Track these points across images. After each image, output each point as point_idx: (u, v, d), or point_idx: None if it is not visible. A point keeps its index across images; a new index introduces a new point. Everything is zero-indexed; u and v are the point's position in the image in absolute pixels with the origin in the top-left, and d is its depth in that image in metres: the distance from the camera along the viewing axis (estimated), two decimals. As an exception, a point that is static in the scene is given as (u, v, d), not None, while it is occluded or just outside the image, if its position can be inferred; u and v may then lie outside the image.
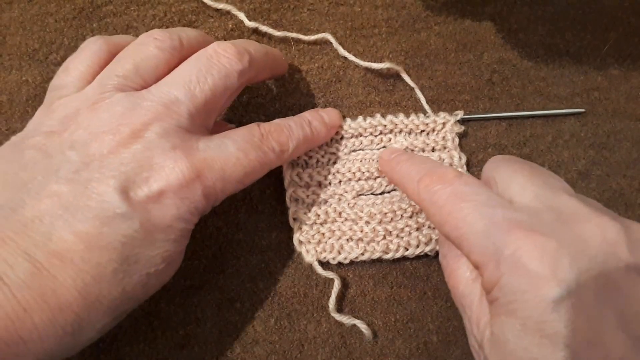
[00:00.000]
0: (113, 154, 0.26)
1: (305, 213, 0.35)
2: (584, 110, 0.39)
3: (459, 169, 0.36)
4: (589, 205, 0.25)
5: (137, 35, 0.40)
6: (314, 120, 0.34)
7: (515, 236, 0.24)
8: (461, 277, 0.28)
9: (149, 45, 0.29)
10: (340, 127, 0.36)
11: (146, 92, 0.28)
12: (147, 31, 0.39)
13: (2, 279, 0.23)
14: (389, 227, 0.35)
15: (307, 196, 0.35)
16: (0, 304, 0.22)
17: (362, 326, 0.33)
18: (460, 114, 0.37)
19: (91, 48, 0.30)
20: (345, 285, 0.35)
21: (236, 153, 0.29)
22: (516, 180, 0.27)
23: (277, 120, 0.32)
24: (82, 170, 0.25)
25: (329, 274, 0.34)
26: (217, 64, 0.29)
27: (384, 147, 0.37)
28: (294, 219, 0.35)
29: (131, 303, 0.26)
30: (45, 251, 0.24)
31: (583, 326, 0.22)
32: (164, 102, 0.27)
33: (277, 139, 0.31)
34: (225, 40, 0.40)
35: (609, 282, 0.23)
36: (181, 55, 0.30)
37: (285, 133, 0.32)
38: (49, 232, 0.24)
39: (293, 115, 0.38)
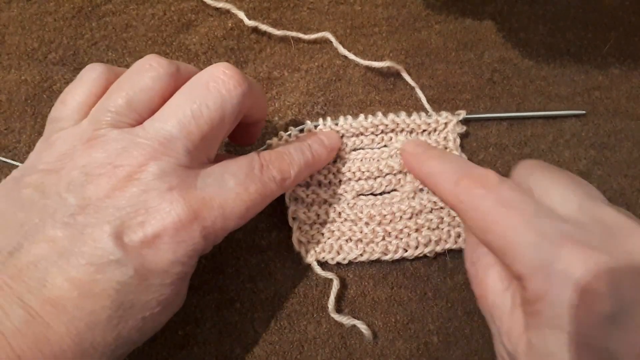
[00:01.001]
0: (109, 198, 0.25)
1: (304, 213, 0.35)
2: (584, 112, 0.39)
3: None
4: (631, 217, 0.25)
5: (136, 35, 0.40)
6: (314, 144, 0.33)
7: (568, 250, 0.23)
8: (491, 287, 0.28)
9: (144, 75, 0.28)
10: (345, 144, 0.36)
11: (141, 129, 0.27)
12: (146, 30, 0.40)
13: None
14: (388, 228, 0.35)
15: (307, 195, 0.35)
16: None
17: (361, 326, 0.33)
18: (462, 114, 0.37)
19: (89, 77, 0.29)
20: (345, 285, 0.35)
21: (236, 188, 0.27)
22: (557, 190, 0.26)
23: (277, 148, 0.32)
24: (78, 214, 0.25)
25: (328, 274, 0.34)
26: (213, 92, 0.27)
27: (384, 146, 0.37)
28: (294, 218, 0.35)
29: (127, 347, 0.26)
30: (39, 298, 0.23)
31: (634, 342, 0.22)
32: (160, 141, 0.26)
33: (278, 167, 0.30)
34: (224, 38, 0.40)
35: None
36: (177, 81, 0.28)
37: (286, 160, 0.31)
38: (43, 278, 0.24)
39: (292, 114, 0.38)
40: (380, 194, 0.36)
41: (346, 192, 0.36)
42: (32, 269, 0.24)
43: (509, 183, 0.27)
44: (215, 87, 0.27)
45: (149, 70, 0.28)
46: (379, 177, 0.36)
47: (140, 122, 0.27)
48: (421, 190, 0.36)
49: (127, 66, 0.38)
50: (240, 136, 0.34)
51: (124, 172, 0.26)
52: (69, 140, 0.27)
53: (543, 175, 0.28)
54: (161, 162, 0.26)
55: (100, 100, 0.28)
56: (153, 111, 0.28)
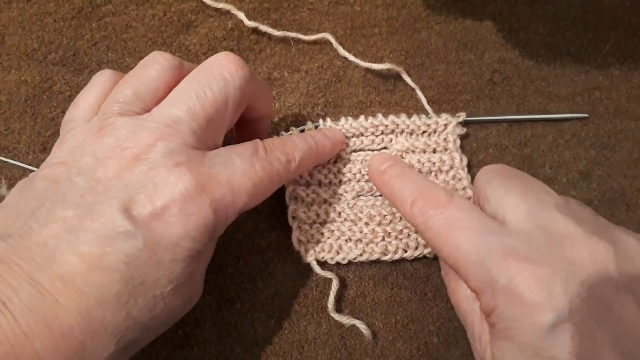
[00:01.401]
0: (118, 177, 0.26)
1: (304, 212, 0.35)
2: (586, 115, 0.39)
3: (460, 171, 0.36)
4: (579, 223, 0.26)
5: (136, 35, 0.40)
6: (317, 135, 0.34)
7: (509, 266, 0.24)
8: (462, 296, 0.29)
9: (149, 68, 0.29)
10: (346, 144, 0.36)
11: (148, 115, 0.28)
12: (146, 31, 0.40)
13: (5, 304, 0.22)
14: (388, 229, 0.35)
15: (307, 195, 0.35)
16: (1, 329, 0.22)
17: (361, 326, 0.33)
18: (462, 116, 0.37)
19: (99, 80, 0.30)
20: (345, 286, 0.35)
21: (242, 165, 0.28)
22: (509, 199, 0.27)
23: (280, 137, 0.32)
24: (87, 194, 0.25)
25: (327, 274, 0.34)
26: (216, 76, 0.28)
27: (384, 147, 0.37)
28: (293, 218, 0.35)
29: (138, 332, 0.25)
30: (49, 274, 0.23)
31: (578, 348, 0.23)
32: (167, 123, 0.27)
33: (281, 150, 0.30)
34: (224, 39, 0.40)
35: (601, 303, 0.24)
36: (181, 74, 0.29)
37: (289, 145, 0.31)
38: (52, 254, 0.24)
39: (292, 115, 0.38)
40: (380, 194, 0.36)
41: (346, 192, 0.36)
42: (42, 247, 0.24)
43: (458, 201, 0.28)
44: (218, 71, 0.29)
45: (154, 63, 0.29)
46: (379, 177, 0.36)
47: (147, 111, 0.28)
48: (421, 190, 0.36)
49: (127, 67, 0.39)
50: (248, 135, 0.34)
51: (132, 153, 0.26)
52: (80, 135, 0.28)
53: (498, 183, 0.29)
54: (169, 141, 0.27)
55: (110, 94, 0.29)
56: (159, 101, 0.29)
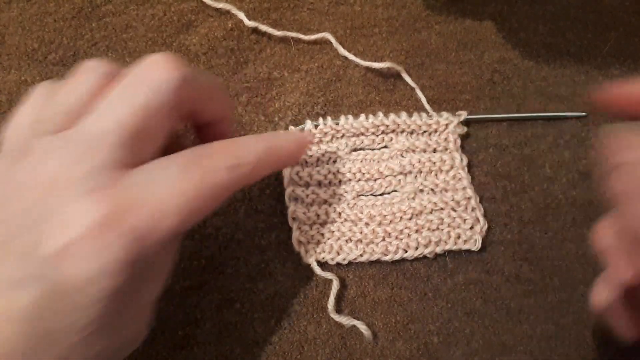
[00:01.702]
0: (27, 211, 0.23)
1: (304, 213, 0.35)
2: (585, 114, 0.39)
3: (460, 171, 0.36)
4: None
5: (136, 35, 0.40)
6: (279, 134, 0.31)
7: None
8: None
9: (77, 79, 0.26)
10: (311, 142, 0.36)
11: (72, 132, 0.24)
12: (146, 31, 0.40)
13: None
14: (388, 229, 0.35)
15: (307, 195, 0.35)
16: None
17: (361, 327, 0.33)
18: (463, 115, 0.37)
19: (34, 95, 0.27)
20: (345, 286, 0.35)
21: (172, 178, 0.24)
22: None
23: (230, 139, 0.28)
24: None
25: (328, 275, 0.34)
26: (146, 79, 0.25)
27: (385, 147, 0.37)
28: (293, 219, 0.35)
29: None
30: None
31: None
32: (88, 140, 0.24)
33: (231, 153, 0.26)
34: (224, 39, 0.40)
35: None
36: (112, 81, 0.26)
37: (240, 146, 0.27)
38: None
39: (292, 114, 0.38)
40: (381, 194, 0.36)
41: (346, 192, 0.36)
42: None
43: None
44: (148, 76, 0.25)
45: (82, 73, 0.26)
46: (379, 178, 0.36)
47: (74, 124, 0.25)
48: (421, 191, 0.36)
49: (127, 67, 0.39)
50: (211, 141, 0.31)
51: (45, 181, 0.23)
52: (4, 160, 0.25)
53: None
54: (87, 163, 0.23)
55: (37, 112, 0.26)
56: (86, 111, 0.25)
